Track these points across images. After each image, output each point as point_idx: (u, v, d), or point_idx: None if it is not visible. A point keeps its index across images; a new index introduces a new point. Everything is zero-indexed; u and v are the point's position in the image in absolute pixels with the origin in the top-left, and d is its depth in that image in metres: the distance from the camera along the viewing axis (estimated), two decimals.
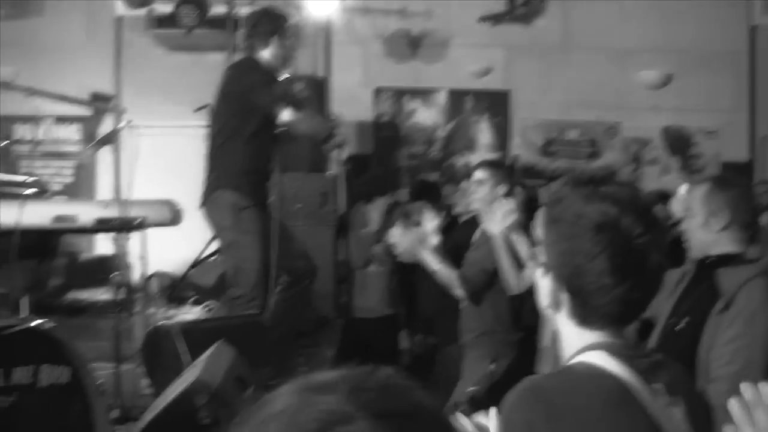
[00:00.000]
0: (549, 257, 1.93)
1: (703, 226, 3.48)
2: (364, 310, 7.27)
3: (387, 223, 7.08)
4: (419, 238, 5.30)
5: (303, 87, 5.94)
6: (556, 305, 1.94)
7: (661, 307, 3.61)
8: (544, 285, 1.96)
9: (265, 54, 5.66)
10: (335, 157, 6.02)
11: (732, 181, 3.59)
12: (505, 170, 5.60)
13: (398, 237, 5.33)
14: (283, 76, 5.73)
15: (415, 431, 1.02)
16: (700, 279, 3.51)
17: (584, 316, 1.90)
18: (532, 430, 1.76)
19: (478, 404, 3.10)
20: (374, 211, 7.27)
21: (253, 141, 5.55)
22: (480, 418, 2.16)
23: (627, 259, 1.83)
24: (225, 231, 5.65)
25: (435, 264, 5.20)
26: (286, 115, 5.45)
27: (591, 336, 1.90)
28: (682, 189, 4.79)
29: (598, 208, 1.84)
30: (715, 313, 3.27)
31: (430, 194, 7.10)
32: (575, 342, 1.93)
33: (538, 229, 1.98)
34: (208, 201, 5.62)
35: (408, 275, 6.72)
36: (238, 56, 6.49)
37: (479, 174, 5.33)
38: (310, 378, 1.08)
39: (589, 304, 1.87)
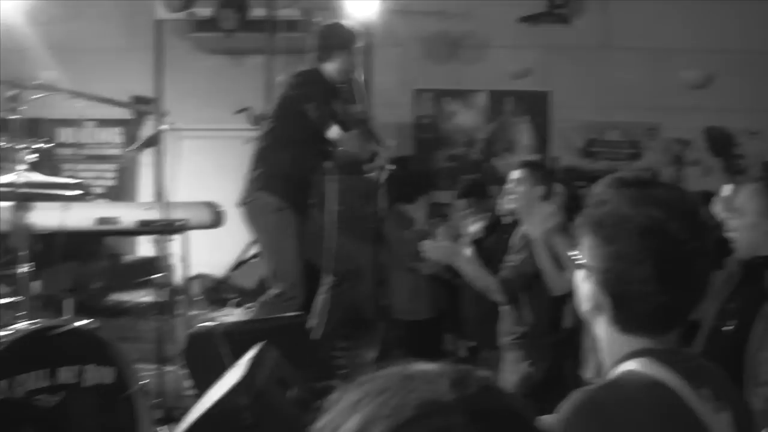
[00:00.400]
0: (591, 261, 1.87)
1: (752, 226, 3.43)
2: (406, 312, 7.25)
3: (429, 224, 7.07)
4: (452, 247, 5.30)
5: (361, 109, 6.02)
6: (597, 310, 1.90)
7: (707, 309, 3.57)
8: (585, 289, 1.92)
9: (328, 67, 5.80)
10: (376, 178, 6.07)
11: None
12: (543, 171, 5.58)
13: (431, 248, 5.33)
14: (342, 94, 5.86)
15: None
16: (748, 280, 3.46)
17: (626, 322, 1.85)
18: None
19: None
20: (417, 211, 7.26)
21: (297, 147, 5.66)
22: None
23: (673, 266, 1.78)
24: (262, 232, 5.74)
25: (471, 271, 5.20)
26: (332, 132, 5.52)
27: (634, 342, 1.86)
28: (725, 190, 4.73)
29: (644, 211, 1.78)
30: (764, 315, 3.22)
31: (476, 192, 7.05)
32: (617, 347, 1.88)
33: (580, 230, 1.93)
34: (246, 202, 5.69)
35: (451, 278, 6.69)
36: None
37: (517, 174, 5.31)
38: (413, 365, 1.10)
39: (632, 311, 1.83)
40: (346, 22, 6.16)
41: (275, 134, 5.73)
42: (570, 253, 2.03)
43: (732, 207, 3.65)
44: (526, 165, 5.47)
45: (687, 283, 1.82)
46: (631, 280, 1.79)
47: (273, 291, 5.63)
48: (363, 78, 7.30)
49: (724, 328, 3.44)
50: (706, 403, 1.76)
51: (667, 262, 1.78)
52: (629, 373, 1.80)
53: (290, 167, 5.69)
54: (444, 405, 1.01)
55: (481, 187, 7.08)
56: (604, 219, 1.84)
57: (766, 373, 3.11)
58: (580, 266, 1.93)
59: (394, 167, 6.05)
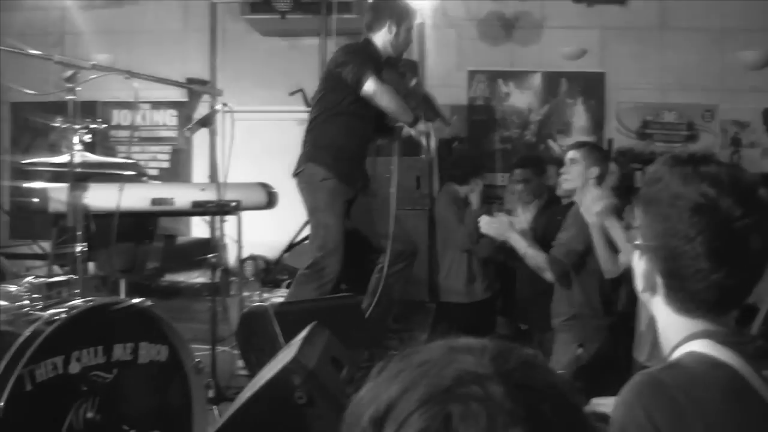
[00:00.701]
0: (645, 239, 1.87)
1: None
2: (460, 294, 7.24)
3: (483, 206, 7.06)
4: (508, 221, 5.30)
5: (414, 80, 6.02)
6: (652, 289, 1.88)
7: (765, 291, 3.51)
8: (640, 268, 1.90)
9: (379, 38, 5.80)
10: (424, 146, 6.00)
11: None
12: (599, 152, 5.54)
13: (486, 222, 5.33)
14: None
15: (544, 408, 1.03)
16: None
17: (682, 301, 1.83)
18: (654, 427, 1.69)
19: None
20: (471, 192, 7.24)
21: (343, 119, 5.71)
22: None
23: (726, 243, 1.76)
24: (308, 203, 5.80)
25: (523, 247, 5.19)
26: (369, 86, 5.49)
27: (692, 324, 1.83)
28: None
29: (696, 188, 1.77)
30: None
31: (533, 164, 7.00)
32: (675, 330, 1.86)
33: (636, 209, 1.91)
34: (296, 174, 5.79)
35: (505, 259, 6.66)
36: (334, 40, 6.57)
37: (572, 154, 5.30)
38: (459, 340, 1.12)
39: (685, 289, 1.81)
40: None
41: (322, 106, 5.79)
42: (625, 234, 2.02)
43: None
44: (581, 146, 5.44)
45: (741, 260, 1.79)
46: (683, 257, 1.77)
47: (310, 261, 5.68)
48: (417, 57, 7.30)
49: None
50: None
51: (719, 239, 1.76)
52: (691, 354, 1.78)
53: (337, 138, 5.73)
54: (483, 375, 1.02)
55: (539, 162, 7.04)
56: (657, 196, 1.83)
57: None
58: (636, 246, 1.91)
59: (458, 144, 6.02)
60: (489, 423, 0.97)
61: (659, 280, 1.85)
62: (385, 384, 1.07)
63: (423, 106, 6.13)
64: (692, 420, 1.67)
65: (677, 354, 1.82)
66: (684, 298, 1.82)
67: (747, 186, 1.81)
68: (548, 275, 5.16)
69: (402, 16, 5.82)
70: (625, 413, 1.70)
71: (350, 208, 5.83)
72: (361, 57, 5.66)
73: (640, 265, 1.90)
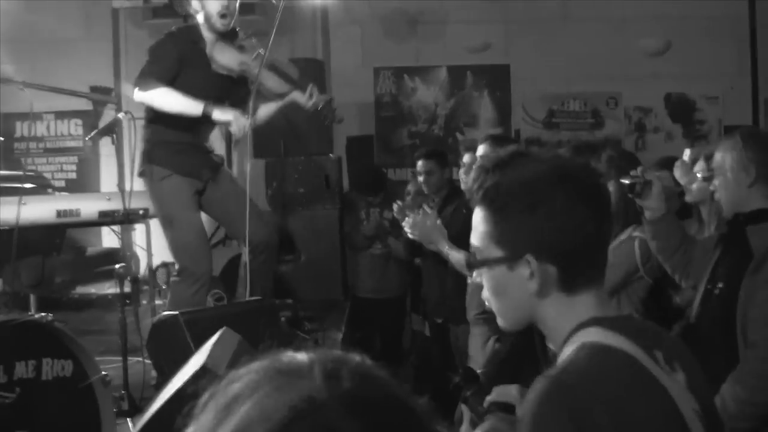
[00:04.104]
0: (526, 239, 1.80)
1: (732, 182, 3.36)
2: (373, 290, 7.28)
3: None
4: (431, 223, 5.26)
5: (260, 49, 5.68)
6: (544, 288, 1.81)
7: (702, 272, 3.51)
8: (514, 277, 1.86)
9: (199, 17, 5.51)
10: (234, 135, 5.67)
11: (758, 135, 3.48)
12: (509, 144, 5.57)
13: (411, 225, 5.28)
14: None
15: (386, 425, 1.00)
16: (734, 240, 3.39)
17: (574, 279, 1.81)
18: None
19: (489, 384, 3.04)
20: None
21: (165, 114, 5.41)
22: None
23: (600, 201, 1.84)
24: (155, 205, 5.59)
25: (446, 249, 5.16)
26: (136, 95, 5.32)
27: (581, 306, 1.81)
28: (685, 155, 4.73)
29: (551, 162, 1.85)
30: (748, 274, 3.16)
31: (438, 157, 6.97)
32: (565, 317, 1.82)
33: (491, 222, 1.86)
34: (141, 174, 5.56)
35: (415, 255, 6.69)
36: None
37: (483, 148, 5.29)
38: (283, 358, 1.05)
39: (580, 263, 1.81)
40: None
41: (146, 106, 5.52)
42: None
43: (704, 168, 3.62)
44: (491, 140, 5.44)
45: (609, 213, 1.87)
46: (574, 230, 1.78)
47: (177, 268, 5.47)
48: (321, 57, 7.15)
49: (715, 291, 3.38)
50: (661, 366, 1.75)
51: (607, 215, 1.85)
52: (584, 347, 1.75)
53: (168, 134, 5.49)
54: (318, 402, 0.97)
55: (442, 155, 7.04)
56: (517, 189, 1.82)
57: (754, 332, 3.07)
58: (492, 262, 1.88)
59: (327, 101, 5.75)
60: None
61: (552, 271, 1.83)
62: (217, 418, 1.00)
63: (278, 74, 5.82)
64: (600, 418, 1.65)
65: (570, 347, 1.81)
66: (577, 274, 1.82)
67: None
68: (468, 271, 5.14)
69: None
70: (535, 425, 1.67)
71: (201, 199, 5.62)
72: (154, 56, 5.47)
73: (511, 275, 1.85)
